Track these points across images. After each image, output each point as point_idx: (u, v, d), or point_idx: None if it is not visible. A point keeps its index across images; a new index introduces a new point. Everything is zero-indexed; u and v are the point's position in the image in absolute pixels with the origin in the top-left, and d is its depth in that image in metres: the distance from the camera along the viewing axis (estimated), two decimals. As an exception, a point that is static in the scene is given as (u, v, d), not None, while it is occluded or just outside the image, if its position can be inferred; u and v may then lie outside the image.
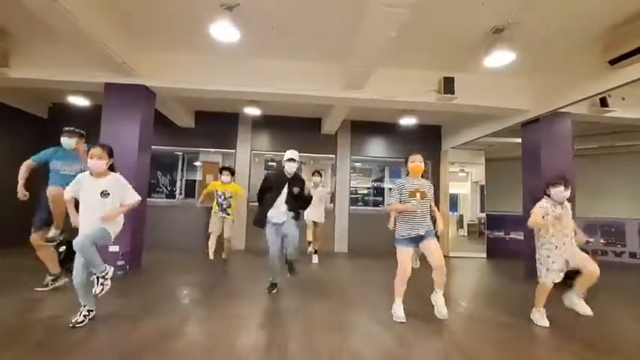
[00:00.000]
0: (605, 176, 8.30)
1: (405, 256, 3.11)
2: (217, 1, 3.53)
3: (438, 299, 3.10)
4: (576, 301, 2.98)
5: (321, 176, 6.07)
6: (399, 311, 3.09)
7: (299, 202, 3.90)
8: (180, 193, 7.81)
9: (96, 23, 3.70)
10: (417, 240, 3.10)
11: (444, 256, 7.40)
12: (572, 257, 2.97)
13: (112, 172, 2.80)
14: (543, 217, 3.02)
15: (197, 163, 8.03)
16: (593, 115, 5.49)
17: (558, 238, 3.01)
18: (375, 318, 3.13)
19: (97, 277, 2.67)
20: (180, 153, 7.90)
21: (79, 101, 6.67)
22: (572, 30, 3.95)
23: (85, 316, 2.68)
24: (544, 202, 3.09)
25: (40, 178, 3.60)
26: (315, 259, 5.98)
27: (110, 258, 4.47)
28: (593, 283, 2.91)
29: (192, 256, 6.02)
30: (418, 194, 3.10)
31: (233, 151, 7.72)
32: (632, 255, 7.25)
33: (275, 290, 3.88)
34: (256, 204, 4.02)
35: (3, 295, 3.33)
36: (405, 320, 3.00)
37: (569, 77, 4.68)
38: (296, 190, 3.82)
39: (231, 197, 4.84)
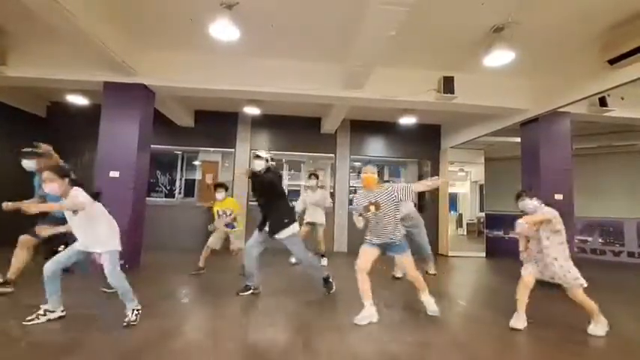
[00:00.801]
0: (604, 176, 8.33)
1: (364, 251, 3.14)
2: (217, 0, 3.52)
3: (424, 298, 3.18)
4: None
5: (317, 178, 5.76)
6: (365, 319, 2.97)
7: (276, 205, 3.69)
8: (180, 193, 7.81)
9: (95, 22, 3.69)
10: (383, 247, 3.12)
11: (444, 255, 7.43)
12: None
13: (72, 188, 2.62)
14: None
15: (196, 163, 8.02)
16: (593, 115, 5.51)
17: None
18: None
19: (133, 310, 2.73)
20: (180, 152, 7.89)
21: (78, 100, 6.64)
22: (571, 30, 3.95)
23: (40, 315, 2.65)
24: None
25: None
26: (324, 261, 5.62)
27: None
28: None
29: (191, 255, 6.00)
30: (372, 207, 3.05)
31: (232, 150, 7.71)
32: (631, 254, 7.26)
33: (249, 292, 3.69)
34: (254, 203, 3.94)
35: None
36: (365, 322, 2.93)
37: (569, 77, 4.69)
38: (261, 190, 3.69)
39: (231, 213, 4.75)
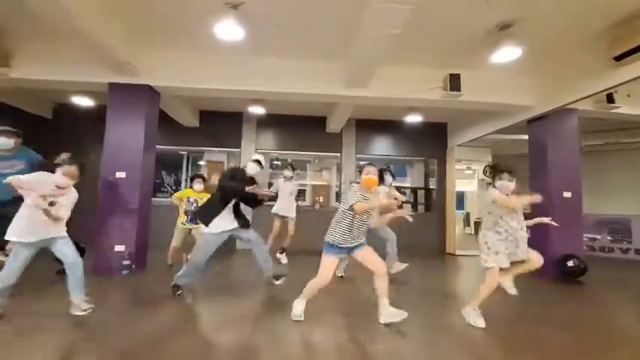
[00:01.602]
0: (612, 173, 8.25)
1: (331, 265, 2.88)
2: (222, -1, 3.52)
3: (389, 309, 2.88)
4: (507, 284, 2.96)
5: (293, 170, 5.84)
6: (297, 307, 2.95)
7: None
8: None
9: (99, 23, 3.69)
10: (348, 251, 2.92)
11: (451, 254, 7.40)
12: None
13: (72, 189, 2.83)
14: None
15: (201, 163, 8.04)
16: (600, 112, 5.44)
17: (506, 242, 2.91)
18: (375, 316, 3.11)
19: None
20: (185, 152, 7.91)
21: (84, 101, 6.68)
22: (577, 26, 3.92)
23: None
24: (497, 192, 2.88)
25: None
26: (283, 258, 5.60)
27: (116, 257, 4.50)
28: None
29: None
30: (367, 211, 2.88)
31: (238, 150, 7.71)
32: (638, 252, 7.19)
33: (179, 292, 3.53)
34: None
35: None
36: (302, 319, 2.91)
37: (576, 74, 4.63)
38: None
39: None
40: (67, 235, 2.80)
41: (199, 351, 2.31)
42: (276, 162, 8.25)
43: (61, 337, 2.46)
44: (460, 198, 8.13)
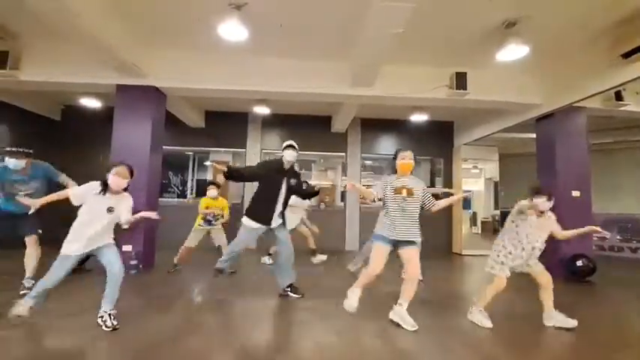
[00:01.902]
0: (621, 171, 8.13)
1: (379, 253, 2.91)
2: (226, 0, 3.53)
3: (402, 313, 2.85)
4: (559, 318, 2.92)
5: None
6: (351, 297, 2.95)
7: (288, 200, 3.67)
8: (192, 193, 7.87)
9: (106, 26, 3.74)
10: (395, 243, 2.91)
11: (458, 254, 7.34)
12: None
13: (124, 193, 2.77)
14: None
15: (207, 163, 8.08)
16: (608, 110, 5.38)
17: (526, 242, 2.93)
18: (385, 314, 3.11)
19: (110, 315, 2.62)
20: (191, 153, 7.96)
21: (91, 103, 6.76)
22: (585, 23, 3.87)
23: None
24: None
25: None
26: (322, 257, 5.79)
27: (124, 257, 4.53)
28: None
29: (203, 255, 6.05)
30: (404, 190, 2.87)
31: (243, 150, 7.74)
32: (649, 251, 7.08)
33: (221, 274, 3.70)
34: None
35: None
36: (354, 311, 2.91)
37: (583, 71, 4.57)
38: (293, 182, 3.60)
39: (219, 215, 4.76)
40: (113, 242, 2.78)
41: (208, 351, 2.32)
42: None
43: (71, 336, 2.49)
44: (467, 197, 8.07)
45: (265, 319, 3.05)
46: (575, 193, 5.22)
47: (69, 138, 7.17)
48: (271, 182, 3.54)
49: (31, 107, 6.74)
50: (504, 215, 7.81)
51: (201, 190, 7.92)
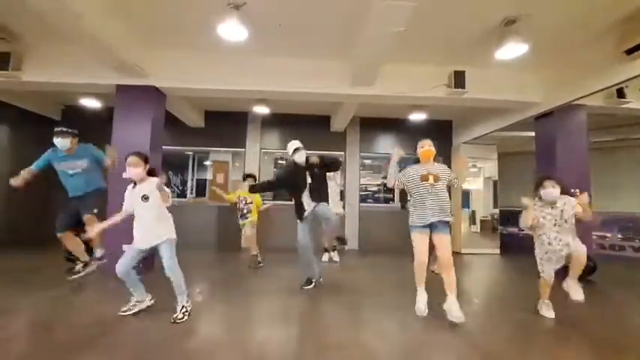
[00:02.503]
0: (622, 169, 8.09)
1: (419, 241, 3.04)
2: (225, 0, 3.53)
3: (450, 303, 2.88)
4: (570, 284, 2.97)
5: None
6: (419, 301, 3.04)
7: (323, 181, 3.88)
8: (192, 193, 7.89)
9: (106, 26, 3.74)
10: (430, 227, 3.02)
11: (457, 253, 7.35)
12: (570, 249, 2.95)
13: (150, 177, 2.87)
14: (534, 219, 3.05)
15: (207, 163, 8.09)
16: (610, 107, 5.35)
17: (552, 236, 2.99)
18: (388, 314, 3.12)
19: (183, 307, 2.83)
20: (191, 153, 7.98)
21: (91, 103, 6.78)
22: (586, 20, 3.85)
23: (131, 307, 2.90)
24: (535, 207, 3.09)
25: (55, 181, 3.70)
26: (333, 256, 5.87)
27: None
28: (580, 266, 2.92)
29: (204, 254, 6.08)
30: (431, 177, 3.00)
31: (243, 149, 7.75)
32: (651, 250, 7.04)
33: (312, 285, 3.88)
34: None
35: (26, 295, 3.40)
36: (425, 314, 2.97)
37: (584, 68, 4.56)
38: (317, 170, 3.81)
39: (251, 203, 5.00)
40: (167, 239, 2.86)
41: (209, 351, 2.32)
42: (280, 161, 8.27)
43: (74, 333, 2.50)
44: (466, 196, 8.06)
45: (267, 319, 3.06)
46: (575, 192, 5.19)
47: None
48: (295, 184, 3.82)
49: (32, 107, 6.77)
50: (503, 214, 7.84)
51: (201, 189, 7.95)
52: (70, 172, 3.65)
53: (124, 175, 2.82)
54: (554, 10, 3.67)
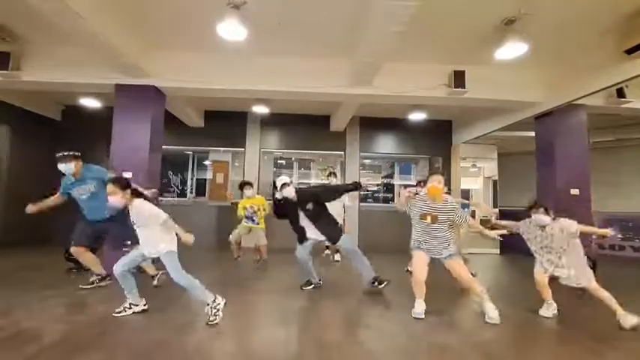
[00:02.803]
0: (622, 169, 8.09)
1: (418, 258, 3.07)
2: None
3: (485, 306, 2.99)
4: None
5: (336, 177, 5.95)
6: (418, 308, 3.03)
7: (325, 214, 3.84)
8: (192, 192, 7.89)
9: (105, 25, 3.74)
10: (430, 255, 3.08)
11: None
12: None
13: (135, 200, 2.72)
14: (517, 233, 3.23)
15: (207, 162, 8.09)
16: (610, 107, 5.35)
17: (542, 255, 3.08)
18: (387, 314, 3.12)
19: (210, 307, 2.75)
20: (191, 152, 7.98)
21: (91, 103, 6.78)
22: (586, 19, 3.84)
23: (125, 308, 2.85)
24: (527, 222, 3.17)
25: (56, 184, 3.69)
26: (337, 256, 5.93)
27: (122, 255, 4.55)
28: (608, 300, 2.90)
29: (204, 254, 6.08)
30: (429, 217, 3.02)
31: (242, 149, 7.75)
32: (651, 250, 7.04)
33: (311, 287, 3.91)
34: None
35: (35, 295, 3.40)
36: (422, 316, 2.97)
37: (585, 68, 4.56)
38: (309, 206, 3.70)
39: (258, 210, 4.98)
40: (167, 252, 2.78)
41: (210, 351, 2.32)
42: (280, 161, 8.27)
43: (74, 333, 2.50)
44: (466, 196, 8.06)
45: (266, 319, 3.06)
46: (575, 192, 5.21)
47: (69, 138, 7.16)
48: (292, 216, 3.80)
49: (32, 107, 6.77)
50: (503, 214, 7.83)
51: (201, 189, 7.95)
52: (83, 196, 3.59)
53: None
54: (555, 10, 3.67)
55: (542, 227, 3.02)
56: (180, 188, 7.87)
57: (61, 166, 3.48)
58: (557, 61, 4.82)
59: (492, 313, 2.91)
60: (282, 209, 3.82)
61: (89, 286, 3.64)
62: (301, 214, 3.72)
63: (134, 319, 2.80)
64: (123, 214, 3.40)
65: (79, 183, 3.59)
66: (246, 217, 4.96)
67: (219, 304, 2.78)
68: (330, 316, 3.13)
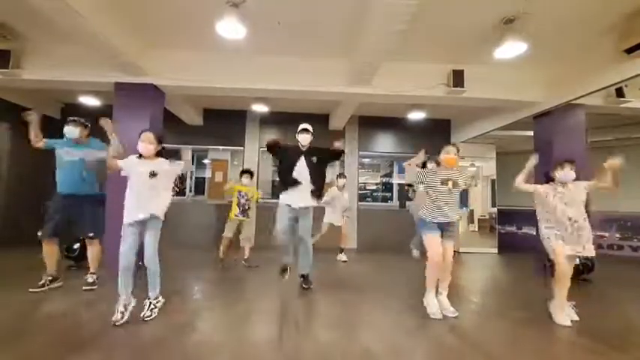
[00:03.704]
0: (623, 169, 8.08)
1: (433, 241, 3.09)
2: (224, -3, 3.53)
3: (443, 301, 3.10)
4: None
5: (345, 178, 6.07)
6: (432, 304, 3.05)
7: (322, 172, 3.86)
8: (190, 191, 7.89)
9: (105, 24, 3.74)
10: (442, 227, 3.11)
11: (455, 252, 7.35)
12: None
13: (158, 158, 2.90)
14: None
15: (206, 161, 8.09)
16: (609, 107, 5.35)
17: (561, 222, 3.02)
18: (386, 313, 3.13)
19: (150, 302, 2.76)
20: (190, 151, 7.97)
21: (90, 101, 6.78)
22: (586, 19, 3.84)
23: (122, 313, 2.66)
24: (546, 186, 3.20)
25: (52, 180, 3.67)
26: (343, 256, 5.94)
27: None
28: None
29: (203, 252, 6.09)
30: (450, 183, 3.09)
31: (241, 148, 7.76)
32: (650, 249, 7.06)
33: (287, 275, 3.85)
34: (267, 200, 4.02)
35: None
36: (440, 317, 2.97)
37: (584, 68, 4.56)
38: (314, 159, 3.77)
39: (252, 197, 4.97)
40: (159, 218, 2.82)
41: (208, 351, 2.32)
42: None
43: (72, 332, 2.51)
44: (464, 195, 8.07)
45: (264, 317, 3.07)
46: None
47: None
48: (288, 161, 3.80)
49: (31, 105, 6.73)
50: (501, 213, 7.86)
51: (200, 188, 7.95)
52: (68, 158, 3.46)
53: (138, 149, 2.84)
54: (554, 9, 3.66)
55: (564, 184, 3.12)
56: (179, 187, 7.86)
57: (67, 129, 3.49)
58: (556, 61, 4.82)
59: (451, 308, 3.05)
60: (283, 151, 3.83)
61: (39, 289, 3.39)
62: (300, 164, 3.73)
63: (131, 319, 2.78)
64: (96, 198, 3.53)
65: (75, 146, 3.55)
66: (240, 210, 4.93)
67: (159, 301, 2.84)
68: (329, 315, 3.14)
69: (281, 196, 3.79)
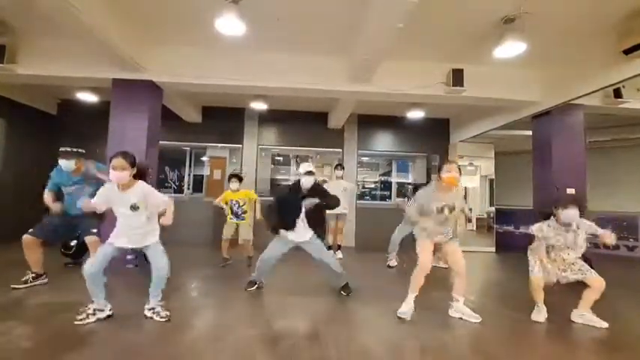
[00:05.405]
0: (618, 169, 8.15)
1: (426, 249, 3.03)
2: (223, -6, 3.50)
3: (462, 308, 3.02)
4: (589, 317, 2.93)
5: (343, 169, 6.12)
6: (406, 304, 3.01)
7: (321, 218, 3.71)
8: (189, 188, 7.86)
9: (103, 19, 3.70)
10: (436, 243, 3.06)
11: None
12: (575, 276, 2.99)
13: (137, 182, 2.64)
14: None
15: (204, 158, 8.06)
16: (607, 107, 5.37)
17: (555, 264, 3.02)
18: (383, 312, 3.13)
19: (154, 308, 2.74)
20: (188, 148, 7.94)
21: (87, 97, 6.72)
22: (585, 19, 3.84)
23: (89, 314, 2.59)
24: (545, 226, 3.01)
25: (46, 178, 3.64)
26: (339, 254, 5.81)
27: (119, 252, 4.53)
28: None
29: (200, 250, 6.07)
30: (446, 210, 2.94)
31: (240, 145, 7.73)
32: (646, 249, 7.11)
33: (254, 288, 3.66)
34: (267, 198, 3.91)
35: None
36: (408, 317, 2.94)
37: (582, 68, 4.57)
38: (316, 200, 3.53)
39: (244, 204, 4.90)
40: (156, 243, 2.78)
41: (205, 348, 2.32)
42: (278, 158, 8.26)
43: (67, 328, 2.49)
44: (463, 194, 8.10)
45: (261, 315, 3.06)
46: (571, 191, 5.23)
47: (64, 132, 7.12)
48: (292, 206, 3.55)
49: (27, 101, 6.70)
50: (499, 212, 7.88)
51: (198, 185, 7.92)
52: (71, 190, 3.51)
53: (109, 178, 2.57)
54: (553, 10, 3.66)
55: (568, 226, 2.92)
56: (177, 184, 7.84)
57: (62, 162, 3.43)
58: (555, 60, 4.82)
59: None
60: (285, 199, 3.61)
61: (23, 286, 3.37)
62: (301, 215, 3.53)
63: (129, 318, 2.75)
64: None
65: (77, 181, 3.53)
66: (233, 214, 4.88)
67: (159, 312, 2.77)
68: (327, 315, 3.14)
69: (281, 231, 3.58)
